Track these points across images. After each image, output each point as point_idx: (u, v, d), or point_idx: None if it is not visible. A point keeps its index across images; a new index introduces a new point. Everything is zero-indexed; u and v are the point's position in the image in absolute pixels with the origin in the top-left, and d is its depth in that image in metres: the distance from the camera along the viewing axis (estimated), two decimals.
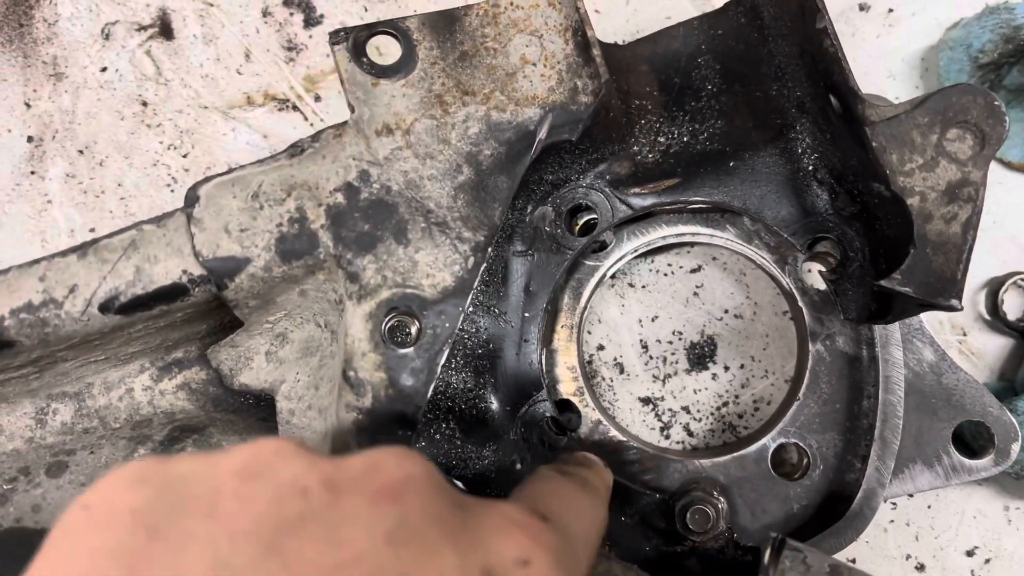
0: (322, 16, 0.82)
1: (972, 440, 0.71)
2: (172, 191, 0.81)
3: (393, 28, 0.58)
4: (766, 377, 0.80)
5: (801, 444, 0.70)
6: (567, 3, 0.59)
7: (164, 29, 0.82)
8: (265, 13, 0.82)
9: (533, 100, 0.59)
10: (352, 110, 0.57)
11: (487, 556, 0.35)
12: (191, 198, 0.53)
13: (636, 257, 0.77)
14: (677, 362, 0.80)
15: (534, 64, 0.59)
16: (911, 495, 0.77)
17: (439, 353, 0.55)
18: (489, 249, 0.57)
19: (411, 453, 0.37)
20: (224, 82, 0.82)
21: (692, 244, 0.80)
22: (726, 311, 0.80)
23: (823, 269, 0.68)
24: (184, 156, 0.81)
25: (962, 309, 0.54)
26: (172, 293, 0.54)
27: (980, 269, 0.81)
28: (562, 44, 0.59)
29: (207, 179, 0.54)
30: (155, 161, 0.81)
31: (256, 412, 0.63)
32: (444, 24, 0.59)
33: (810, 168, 0.68)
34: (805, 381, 0.70)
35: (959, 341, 0.80)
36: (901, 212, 0.56)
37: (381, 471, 0.36)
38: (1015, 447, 0.67)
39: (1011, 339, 0.80)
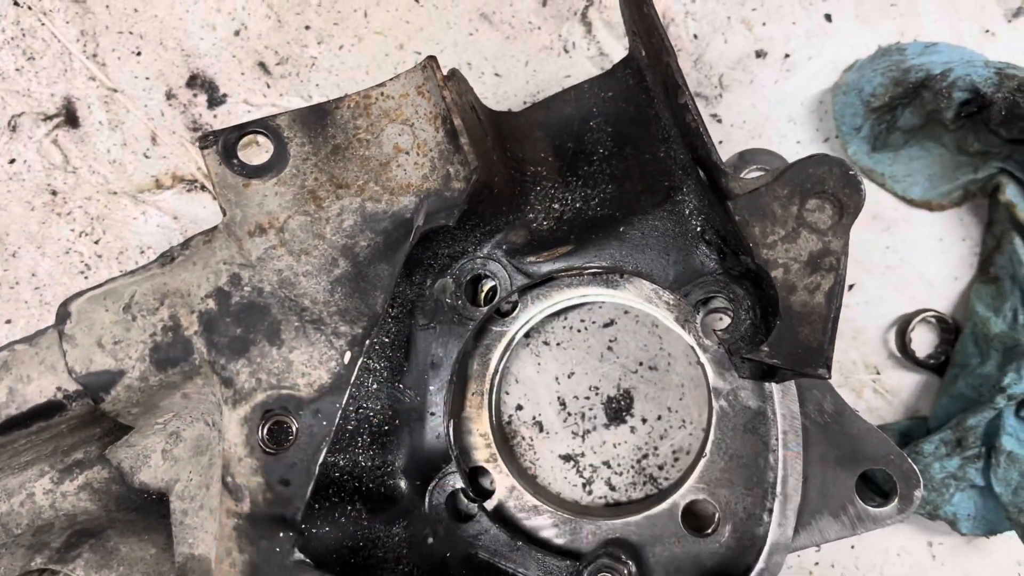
0: (225, 96, 0.83)
1: (882, 483, 0.72)
2: (86, 278, 0.81)
3: (263, 127, 0.59)
4: (684, 427, 0.80)
5: (710, 500, 0.70)
6: (434, 91, 0.60)
7: (70, 117, 0.83)
8: (169, 96, 0.83)
9: (408, 188, 0.60)
10: (224, 213, 0.57)
11: None
12: (62, 315, 0.54)
13: (549, 315, 0.78)
14: (595, 417, 0.81)
15: (407, 152, 0.60)
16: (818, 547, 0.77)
17: (318, 451, 0.55)
18: (368, 341, 0.57)
19: None
20: (132, 166, 0.83)
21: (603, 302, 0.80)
22: (640, 363, 0.81)
23: (717, 330, 0.68)
24: (96, 242, 0.82)
25: (830, 378, 0.55)
26: (48, 410, 0.54)
27: (890, 307, 0.81)
28: (433, 132, 0.60)
29: (78, 294, 0.55)
30: (67, 249, 0.82)
31: (158, 509, 0.63)
32: (315, 119, 0.60)
33: (698, 229, 0.68)
34: (711, 437, 0.71)
35: (873, 380, 0.81)
36: (770, 285, 0.56)
37: None
38: (917, 493, 0.67)
39: (923, 375, 0.81)
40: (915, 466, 0.68)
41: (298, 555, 0.54)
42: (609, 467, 0.80)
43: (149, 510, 0.63)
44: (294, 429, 0.56)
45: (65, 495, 0.63)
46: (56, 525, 0.62)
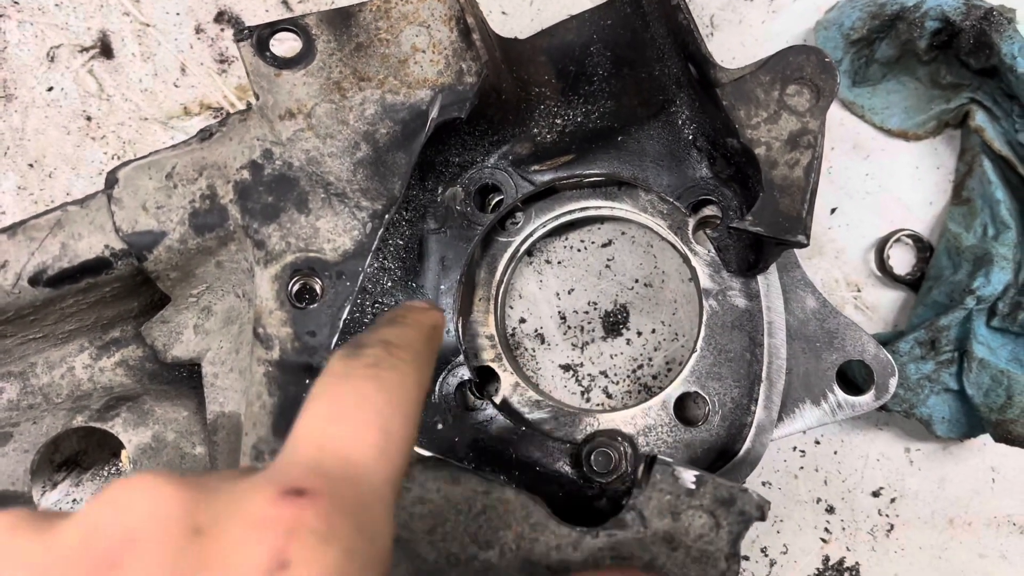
0: None
1: (862, 383, 0.77)
2: None
3: (293, 24, 0.65)
4: (676, 340, 0.85)
5: (701, 392, 0.75)
6: None
7: (105, 49, 0.89)
8: (198, 30, 0.89)
9: (424, 83, 0.65)
10: (257, 98, 0.63)
11: None
12: (111, 180, 0.60)
13: (550, 234, 0.83)
14: (594, 330, 0.86)
15: (423, 51, 0.66)
16: (806, 432, 0.82)
17: (341, 308, 0.60)
18: (387, 216, 0.62)
19: (134, 489, 0.33)
20: (162, 95, 0.89)
21: (601, 220, 0.86)
22: (636, 281, 0.86)
23: (708, 230, 0.74)
24: None
25: (808, 244, 0.60)
26: (96, 266, 0.59)
27: (869, 230, 0.87)
28: (447, 32, 0.66)
29: (125, 163, 0.60)
30: (100, 171, 0.87)
31: (188, 382, 0.68)
32: (340, 20, 0.66)
33: (690, 137, 0.74)
34: (701, 334, 0.76)
35: (854, 297, 0.86)
36: (754, 163, 0.62)
37: (97, 537, 0.31)
38: (892, 382, 0.73)
39: (902, 292, 0.86)
40: (890, 356, 0.73)
41: None
42: (606, 376, 0.85)
43: (181, 383, 0.68)
44: (319, 290, 0.61)
45: (103, 370, 0.68)
46: (95, 395, 0.67)
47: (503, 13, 0.90)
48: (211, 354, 0.65)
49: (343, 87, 0.64)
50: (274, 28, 0.65)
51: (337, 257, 0.61)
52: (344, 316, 0.61)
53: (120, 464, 0.70)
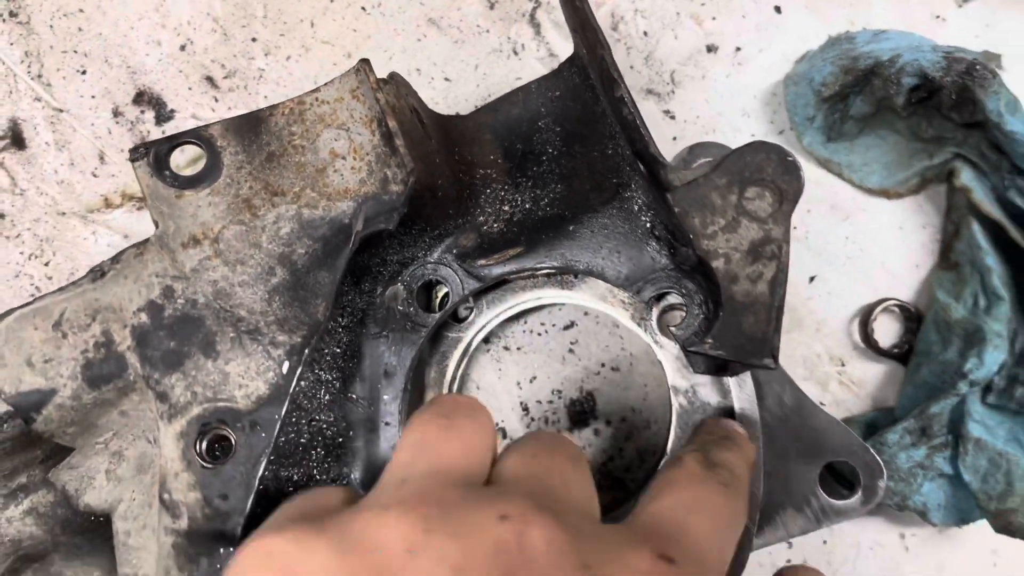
0: (173, 111, 0.82)
1: (851, 475, 0.70)
2: None
3: (195, 137, 0.58)
4: (648, 428, 0.79)
5: None
6: (368, 95, 0.59)
7: (16, 139, 0.82)
8: (116, 114, 0.82)
9: (345, 194, 0.59)
10: (156, 226, 0.56)
11: None
12: None
13: (508, 320, 0.77)
14: (559, 421, 0.80)
15: (344, 157, 0.59)
16: (788, 542, 0.76)
17: (257, 464, 0.54)
18: (307, 350, 0.56)
19: (529, 521, 0.38)
20: (80, 186, 0.82)
21: (562, 304, 0.79)
22: (603, 365, 0.80)
23: (671, 326, 0.67)
24: (46, 264, 0.81)
25: (776, 368, 0.54)
26: None
27: (852, 298, 0.80)
28: (369, 135, 0.59)
29: (7, 313, 0.54)
30: (17, 272, 0.81)
31: (103, 532, 0.62)
32: (249, 127, 0.59)
33: (648, 225, 0.67)
34: (672, 436, 0.70)
35: (838, 372, 0.80)
36: (712, 277, 0.55)
37: (501, 552, 0.36)
38: (881, 484, 0.66)
39: (890, 365, 0.80)
40: (877, 456, 0.67)
41: None
42: None
43: (94, 533, 0.62)
44: (233, 442, 0.54)
45: (11, 520, 0.62)
46: (0, 551, 0.61)
47: (446, 80, 0.83)
48: (123, 507, 0.58)
49: (254, 205, 0.58)
50: (173, 143, 0.58)
51: (250, 405, 0.54)
52: (260, 473, 0.54)
53: None
